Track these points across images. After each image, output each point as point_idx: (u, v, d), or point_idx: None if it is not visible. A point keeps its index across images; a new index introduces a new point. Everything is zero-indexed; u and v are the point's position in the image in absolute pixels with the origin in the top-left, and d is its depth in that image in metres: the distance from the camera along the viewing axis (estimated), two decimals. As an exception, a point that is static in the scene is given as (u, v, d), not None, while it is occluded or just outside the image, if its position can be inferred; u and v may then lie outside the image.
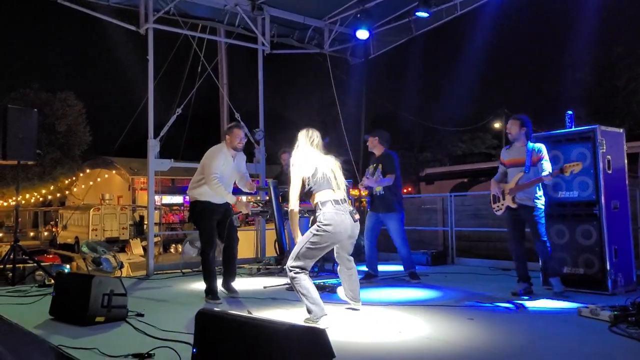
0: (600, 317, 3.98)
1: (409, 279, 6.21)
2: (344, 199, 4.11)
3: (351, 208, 4.15)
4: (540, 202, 5.06)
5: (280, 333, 2.07)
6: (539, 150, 5.06)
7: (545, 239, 5.04)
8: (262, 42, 8.77)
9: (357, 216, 4.17)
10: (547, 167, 4.97)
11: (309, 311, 3.94)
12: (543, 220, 5.06)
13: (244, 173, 5.49)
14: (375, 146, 6.32)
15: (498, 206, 5.25)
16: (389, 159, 6.19)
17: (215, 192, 5.06)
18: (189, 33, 8.35)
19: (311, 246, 4.01)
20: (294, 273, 3.98)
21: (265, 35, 8.80)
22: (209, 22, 8.56)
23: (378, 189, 6.18)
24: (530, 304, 4.69)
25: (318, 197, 4.09)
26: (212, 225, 5.24)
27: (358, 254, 8.11)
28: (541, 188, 5.11)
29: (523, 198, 5.06)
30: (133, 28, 7.58)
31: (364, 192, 6.49)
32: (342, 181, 4.17)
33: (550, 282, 5.07)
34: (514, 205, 5.09)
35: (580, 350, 3.28)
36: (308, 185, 4.11)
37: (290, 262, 4.04)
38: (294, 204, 4.14)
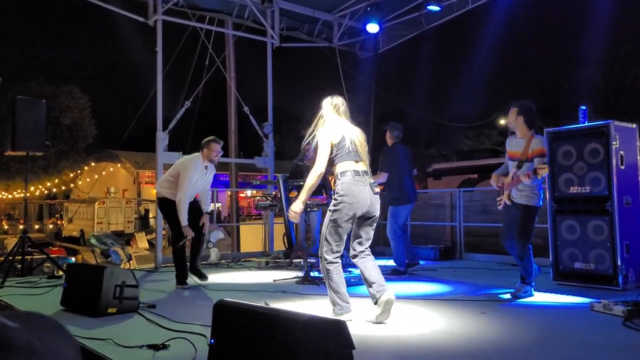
0: (613, 312, 3.96)
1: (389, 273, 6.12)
2: (366, 172, 3.89)
3: (372, 181, 3.91)
4: (535, 200, 4.73)
5: (299, 324, 2.06)
6: (538, 145, 4.72)
7: (529, 247, 4.72)
8: (271, 35, 8.74)
9: (377, 189, 3.90)
10: (536, 164, 4.58)
11: (335, 305, 3.81)
12: (532, 223, 4.74)
13: (208, 189, 5.81)
14: (387, 140, 6.36)
15: (499, 200, 4.99)
16: (382, 156, 6.27)
17: (177, 209, 5.33)
18: (197, 25, 8.33)
19: (333, 225, 3.80)
20: (328, 264, 3.81)
21: (275, 28, 8.77)
22: (217, 14, 8.53)
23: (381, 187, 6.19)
24: (542, 299, 4.66)
25: (339, 168, 3.87)
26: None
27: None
28: (539, 186, 4.77)
29: (515, 196, 4.77)
30: (142, 19, 7.57)
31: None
32: (365, 154, 3.95)
33: (519, 285, 4.78)
34: (509, 202, 4.82)
35: (595, 344, 3.26)
36: (331, 154, 3.90)
37: (321, 251, 3.87)
38: (322, 167, 3.86)
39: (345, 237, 3.88)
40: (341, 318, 3.45)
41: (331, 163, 3.92)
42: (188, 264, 5.70)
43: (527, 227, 4.72)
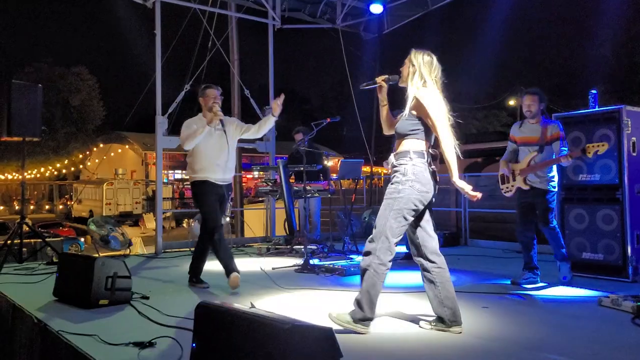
0: (622, 308, 3.81)
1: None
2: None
3: (434, 167, 3.36)
4: (553, 185, 4.75)
5: (283, 331, 1.93)
6: (556, 129, 4.71)
7: (554, 224, 4.76)
8: (272, 16, 8.53)
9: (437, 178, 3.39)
10: (563, 147, 4.66)
11: (360, 307, 3.24)
12: (553, 205, 4.78)
13: (232, 155, 4.93)
14: None
15: (507, 187, 4.93)
16: None
17: (192, 141, 4.65)
18: (198, 7, 8.13)
19: (397, 215, 3.20)
20: (380, 265, 3.20)
21: (276, 9, 8.56)
22: (218, -6, 8.32)
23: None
24: (547, 292, 4.52)
25: (415, 145, 3.30)
26: (211, 204, 4.75)
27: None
28: (556, 170, 4.81)
29: (535, 180, 4.75)
30: (140, 1, 7.38)
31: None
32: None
33: (559, 266, 4.84)
34: (525, 187, 4.78)
35: (603, 343, 3.12)
36: (422, 126, 3.33)
37: (373, 246, 3.24)
38: (451, 142, 3.24)
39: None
40: (358, 328, 3.20)
41: (401, 132, 3.35)
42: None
43: (550, 212, 4.75)
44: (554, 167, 4.77)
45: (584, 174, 5.20)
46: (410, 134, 3.34)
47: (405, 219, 3.24)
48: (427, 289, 3.41)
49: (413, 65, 3.38)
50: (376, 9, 8.53)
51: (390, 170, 3.52)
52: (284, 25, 8.73)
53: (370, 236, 3.32)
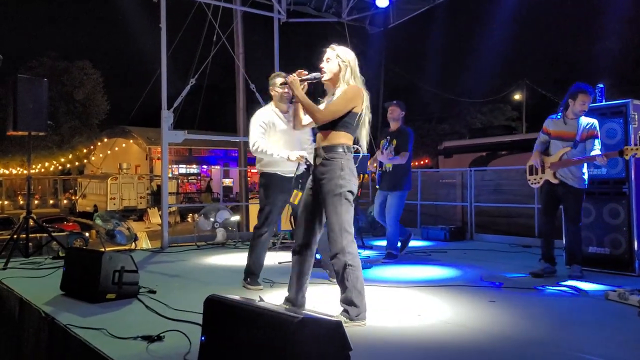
0: (629, 302, 3.80)
1: (384, 257, 5.96)
2: None
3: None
4: (583, 183, 4.78)
5: (293, 325, 1.93)
6: (593, 127, 4.71)
7: (581, 224, 4.81)
8: (277, 10, 8.50)
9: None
10: (598, 146, 4.66)
11: (354, 306, 3.25)
12: (581, 204, 4.81)
13: (307, 138, 4.58)
14: (395, 118, 6.02)
15: (535, 179, 4.97)
16: (405, 136, 5.88)
17: (263, 157, 4.37)
18: (203, 0, 8.11)
19: (350, 207, 3.37)
20: (353, 258, 3.27)
21: (282, 2, 8.53)
22: (223, -12, 8.30)
23: (389, 166, 5.94)
24: (553, 287, 4.51)
25: (346, 139, 3.41)
26: (274, 200, 4.46)
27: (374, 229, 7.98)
28: (586, 168, 4.83)
29: (566, 176, 4.77)
30: (145, -5, 7.37)
31: (373, 167, 6.16)
32: None
33: (573, 268, 4.85)
34: (554, 181, 4.80)
35: (611, 338, 3.11)
36: (342, 119, 3.38)
37: (340, 246, 3.27)
38: (326, 118, 3.36)
39: None
40: (358, 323, 3.21)
41: (331, 126, 3.34)
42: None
43: (580, 210, 4.82)
44: (586, 165, 4.79)
45: (590, 167, 5.18)
46: (340, 127, 3.41)
47: (353, 207, 3.38)
48: None
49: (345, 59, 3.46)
50: (382, 2, 8.49)
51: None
52: (290, 19, 8.70)
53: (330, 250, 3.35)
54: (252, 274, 4.51)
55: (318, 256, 4.99)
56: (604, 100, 5.22)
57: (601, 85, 5.25)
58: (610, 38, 26.31)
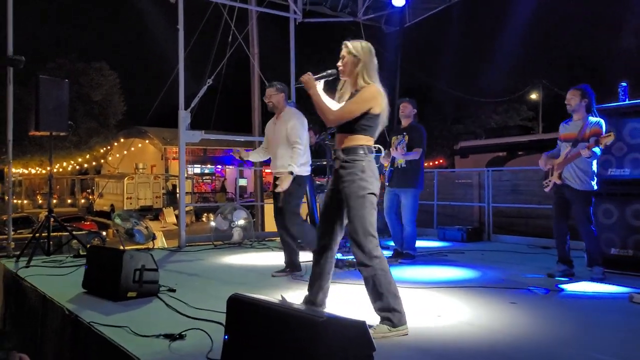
0: (653, 304, 3.75)
1: (398, 258, 5.90)
2: None
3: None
4: (589, 184, 4.71)
5: (317, 325, 1.93)
6: (597, 124, 4.63)
7: (591, 225, 4.72)
8: (293, 10, 8.52)
9: None
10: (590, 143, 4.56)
11: (394, 312, 3.12)
12: (589, 205, 4.73)
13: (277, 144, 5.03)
14: (407, 115, 5.98)
15: (546, 182, 4.96)
16: (418, 132, 5.85)
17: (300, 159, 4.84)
18: (219, 1, 8.15)
19: (373, 211, 3.27)
20: (380, 262, 3.17)
21: (297, 2, 8.53)
22: (240, -11, 8.33)
23: (401, 162, 5.88)
24: (574, 288, 4.46)
25: (367, 141, 3.31)
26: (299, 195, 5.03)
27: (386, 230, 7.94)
28: (595, 167, 4.75)
29: (570, 178, 4.73)
30: (164, -3, 7.42)
31: (385, 164, 6.10)
32: None
33: (594, 270, 4.78)
34: (558, 182, 4.79)
35: (635, 342, 3.07)
36: (358, 121, 3.29)
37: (364, 254, 3.16)
38: (340, 119, 3.29)
39: None
40: (403, 330, 3.10)
41: (349, 128, 3.24)
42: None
43: (588, 211, 4.74)
44: (594, 165, 4.73)
45: (613, 168, 5.12)
46: (359, 129, 3.31)
47: (377, 211, 3.27)
48: None
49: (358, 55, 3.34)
50: (398, 1, 8.45)
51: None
52: (305, 19, 8.71)
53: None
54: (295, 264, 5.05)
55: (339, 255, 5.02)
56: (627, 99, 5.14)
57: (624, 84, 5.17)
58: (629, 37, 25.93)
